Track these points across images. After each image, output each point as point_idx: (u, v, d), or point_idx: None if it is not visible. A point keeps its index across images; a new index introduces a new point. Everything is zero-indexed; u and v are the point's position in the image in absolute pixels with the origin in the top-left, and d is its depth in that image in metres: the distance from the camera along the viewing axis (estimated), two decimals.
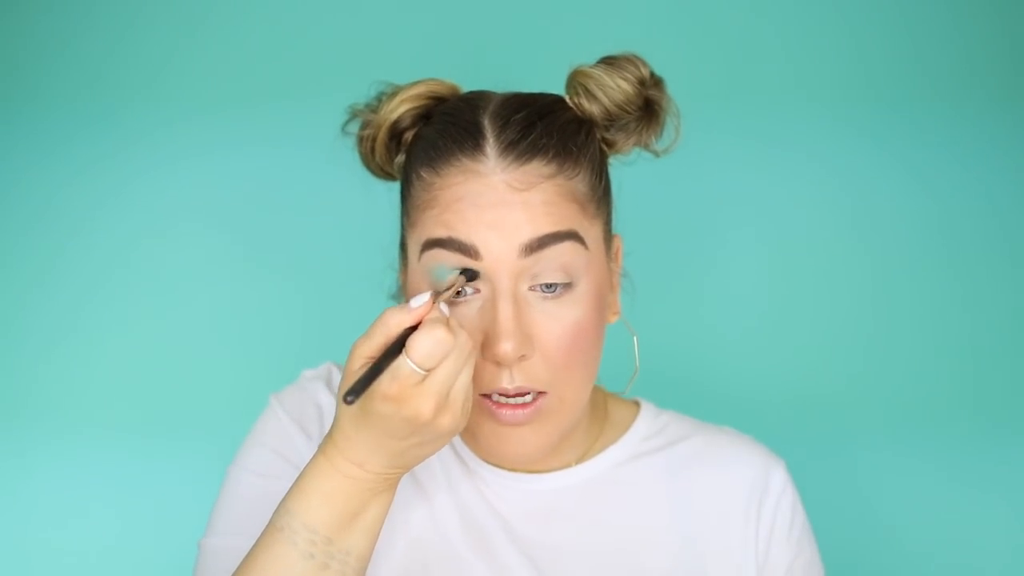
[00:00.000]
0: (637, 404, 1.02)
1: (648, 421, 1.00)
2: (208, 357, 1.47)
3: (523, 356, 0.83)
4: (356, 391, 0.69)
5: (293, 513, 0.77)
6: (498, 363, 0.83)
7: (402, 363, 0.73)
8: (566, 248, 0.84)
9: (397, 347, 0.73)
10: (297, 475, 0.89)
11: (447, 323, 0.74)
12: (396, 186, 0.95)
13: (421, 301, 0.75)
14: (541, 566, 0.91)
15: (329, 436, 0.78)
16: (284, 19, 1.47)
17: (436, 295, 0.77)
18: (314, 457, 0.79)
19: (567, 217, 0.84)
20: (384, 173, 0.96)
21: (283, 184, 1.47)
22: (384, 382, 0.73)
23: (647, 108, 0.92)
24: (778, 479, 0.97)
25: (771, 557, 0.95)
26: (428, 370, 0.73)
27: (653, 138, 0.93)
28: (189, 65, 1.46)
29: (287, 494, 0.79)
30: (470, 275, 0.83)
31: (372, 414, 0.74)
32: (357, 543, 0.78)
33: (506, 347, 0.81)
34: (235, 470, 0.93)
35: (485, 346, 0.83)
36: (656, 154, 0.95)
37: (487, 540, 0.92)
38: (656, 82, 0.92)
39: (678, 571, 0.93)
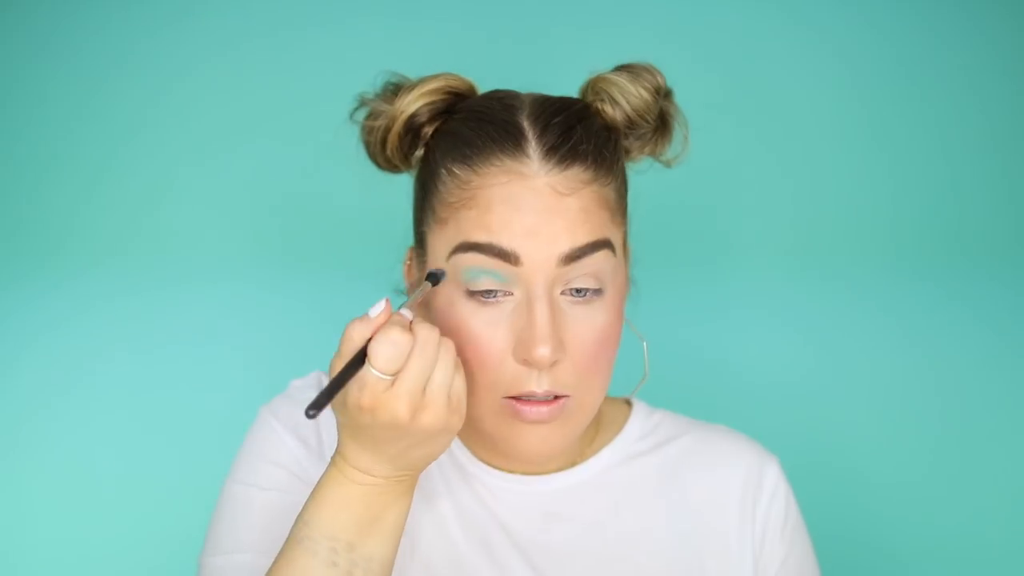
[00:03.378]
0: (629, 404, 1.02)
1: (641, 421, 1.00)
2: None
3: (556, 361, 0.83)
4: (317, 405, 0.68)
5: (312, 524, 0.77)
6: (531, 366, 0.83)
7: (367, 372, 0.73)
8: (600, 257, 0.84)
9: (360, 357, 0.73)
10: (299, 485, 0.88)
11: (404, 324, 0.74)
12: (396, 180, 0.95)
13: (379, 309, 0.74)
14: (540, 567, 0.92)
15: (337, 447, 0.78)
16: None
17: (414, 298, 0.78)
18: (327, 469, 0.79)
19: (601, 226, 0.84)
20: (390, 166, 0.94)
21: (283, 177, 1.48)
22: (353, 393, 0.73)
23: (660, 117, 0.92)
24: (772, 476, 0.98)
25: (765, 553, 0.96)
26: (394, 374, 0.73)
27: (665, 147, 0.94)
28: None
29: (304, 506, 0.79)
30: (435, 279, 0.82)
31: (357, 426, 0.75)
32: (379, 548, 0.78)
33: (543, 351, 0.81)
34: (233, 485, 0.91)
35: (518, 349, 0.82)
36: (667, 164, 0.95)
37: (487, 543, 0.92)
38: (667, 93, 0.92)
39: (676, 569, 0.94)
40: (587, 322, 0.84)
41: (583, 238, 0.82)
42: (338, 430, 0.77)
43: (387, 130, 0.90)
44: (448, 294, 0.85)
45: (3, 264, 1.47)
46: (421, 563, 0.90)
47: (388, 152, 0.92)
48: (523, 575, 0.91)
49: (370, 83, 0.93)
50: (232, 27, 1.47)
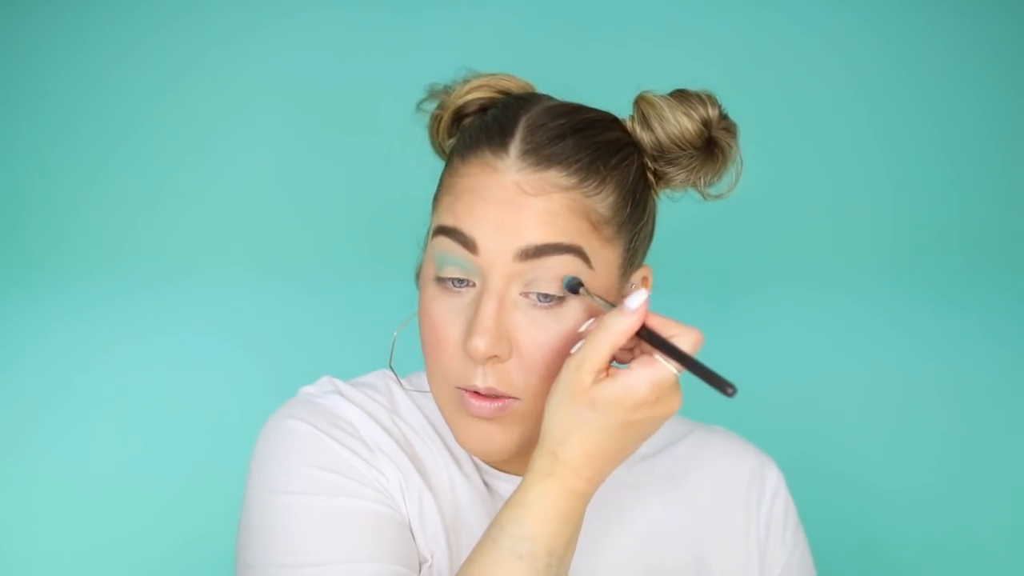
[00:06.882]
0: None
1: None
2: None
3: (495, 357, 0.81)
4: (732, 384, 0.69)
5: (536, 540, 0.76)
6: (471, 358, 0.82)
7: (666, 371, 0.74)
8: (566, 261, 0.81)
9: (666, 345, 0.74)
10: (361, 488, 0.87)
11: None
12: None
13: (642, 299, 0.75)
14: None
15: (554, 457, 0.77)
16: None
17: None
18: (541, 482, 0.77)
19: (571, 231, 0.82)
20: (445, 155, 0.95)
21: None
22: (641, 388, 0.74)
23: (707, 148, 0.88)
24: (772, 477, 0.99)
25: (769, 554, 0.97)
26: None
27: (706, 179, 0.90)
28: None
29: (520, 519, 0.77)
30: (572, 286, 0.82)
31: (626, 424, 0.75)
32: (571, 557, 0.79)
33: (477, 343, 0.80)
34: (284, 497, 0.86)
35: (463, 340, 0.82)
36: (704, 197, 0.91)
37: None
38: (726, 126, 0.88)
39: (683, 569, 0.94)
40: (544, 326, 0.82)
41: (544, 238, 0.81)
42: (571, 439, 0.76)
43: (439, 118, 0.93)
44: (426, 274, 0.86)
45: (2, 265, 1.47)
46: (436, 566, 0.89)
47: (440, 140, 0.94)
48: None
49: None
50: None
